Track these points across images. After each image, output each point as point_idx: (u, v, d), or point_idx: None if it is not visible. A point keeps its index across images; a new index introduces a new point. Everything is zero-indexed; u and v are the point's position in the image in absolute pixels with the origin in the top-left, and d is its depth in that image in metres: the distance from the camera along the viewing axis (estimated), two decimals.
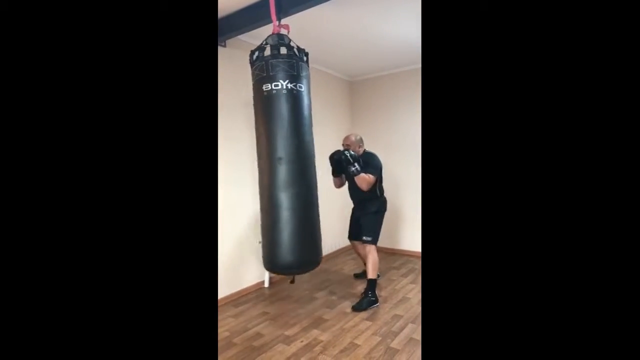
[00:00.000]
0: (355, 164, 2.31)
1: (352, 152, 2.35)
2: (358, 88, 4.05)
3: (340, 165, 2.37)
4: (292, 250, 1.47)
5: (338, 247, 3.81)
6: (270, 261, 1.51)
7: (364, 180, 2.34)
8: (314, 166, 1.57)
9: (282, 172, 1.46)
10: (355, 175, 2.33)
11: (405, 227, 3.71)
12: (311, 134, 1.56)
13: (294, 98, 1.46)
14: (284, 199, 1.46)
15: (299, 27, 2.39)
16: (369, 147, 2.65)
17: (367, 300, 2.40)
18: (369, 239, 2.49)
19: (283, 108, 1.44)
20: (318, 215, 1.59)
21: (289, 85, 1.43)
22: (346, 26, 2.51)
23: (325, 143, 2.72)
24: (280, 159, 1.45)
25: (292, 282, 1.99)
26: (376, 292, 2.48)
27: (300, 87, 1.47)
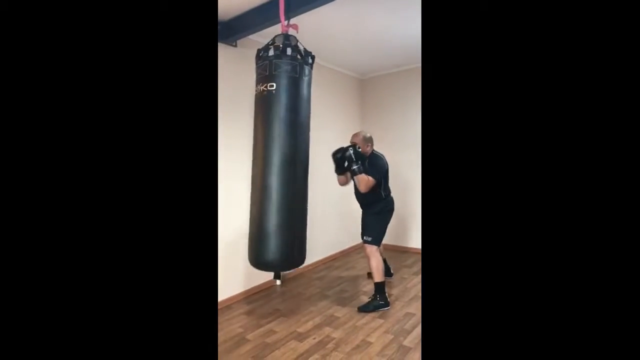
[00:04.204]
0: (359, 162, 2.25)
1: (357, 150, 2.28)
2: (368, 86, 4.03)
3: (342, 162, 2.29)
4: (277, 248, 1.51)
5: (349, 246, 3.81)
6: (255, 258, 1.55)
7: (363, 180, 2.28)
8: (307, 167, 1.60)
9: (275, 171, 1.50)
10: (355, 174, 2.28)
11: (416, 225, 3.68)
12: (307, 135, 1.59)
13: (291, 99, 1.49)
14: (274, 197, 1.50)
15: (309, 26, 2.40)
16: (378, 144, 2.63)
17: (376, 304, 2.36)
18: (369, 239, 2.44)
19: (280, 108, 1.48)
20: (305, 216, 1.61)
21: (287, 86, 1.46)
22: (355, 24, 2.51)
23: (334, 141, 2.72)
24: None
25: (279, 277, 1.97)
26: (386, 292, 2.42)
27: (299, 88, 1.49)
